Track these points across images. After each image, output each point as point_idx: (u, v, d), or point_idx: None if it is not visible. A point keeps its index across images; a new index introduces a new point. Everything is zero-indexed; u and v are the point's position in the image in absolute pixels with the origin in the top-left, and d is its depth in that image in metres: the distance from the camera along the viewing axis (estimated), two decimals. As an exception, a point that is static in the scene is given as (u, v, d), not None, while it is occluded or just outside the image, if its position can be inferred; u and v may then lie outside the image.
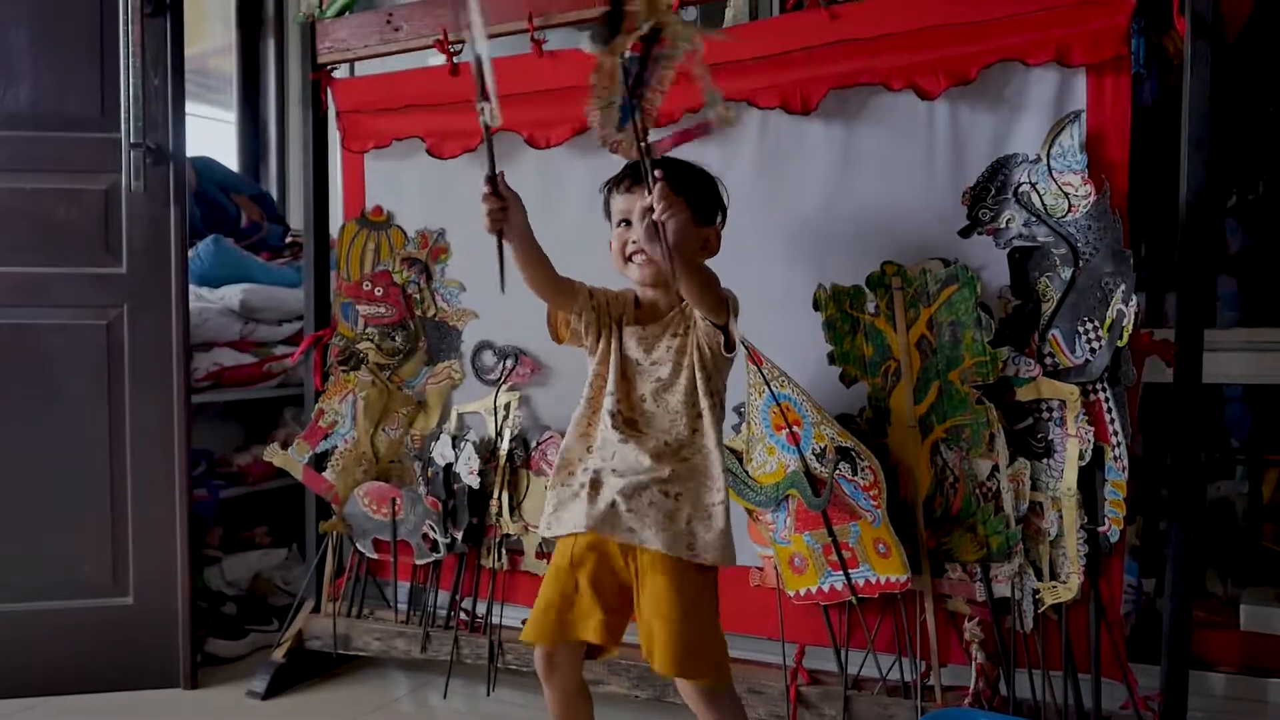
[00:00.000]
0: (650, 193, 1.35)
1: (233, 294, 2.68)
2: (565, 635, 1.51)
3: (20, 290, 2.15)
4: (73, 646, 2.17)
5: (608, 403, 1.53)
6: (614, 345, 1.56)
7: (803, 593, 1.81)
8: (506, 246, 1.44)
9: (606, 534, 1.49)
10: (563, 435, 1.60)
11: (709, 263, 1.54)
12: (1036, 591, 1.66)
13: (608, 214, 1.59)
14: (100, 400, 2.18)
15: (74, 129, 2.15)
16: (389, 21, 2.19)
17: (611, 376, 1.54)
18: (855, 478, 1.73)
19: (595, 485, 1.51)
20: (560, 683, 1.55)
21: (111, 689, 2.17)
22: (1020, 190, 1.69)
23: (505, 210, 1.42)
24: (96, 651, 2.18)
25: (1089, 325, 1.64)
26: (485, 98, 1.31)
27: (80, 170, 2.16)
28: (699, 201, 1.53)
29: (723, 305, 1.47)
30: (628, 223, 1.52)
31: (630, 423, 1.52)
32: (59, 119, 2.15)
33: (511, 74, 2.09)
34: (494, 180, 1.40)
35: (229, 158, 3.48)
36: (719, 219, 1.60)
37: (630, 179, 1.53)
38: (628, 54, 1.35)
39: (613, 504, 1.49)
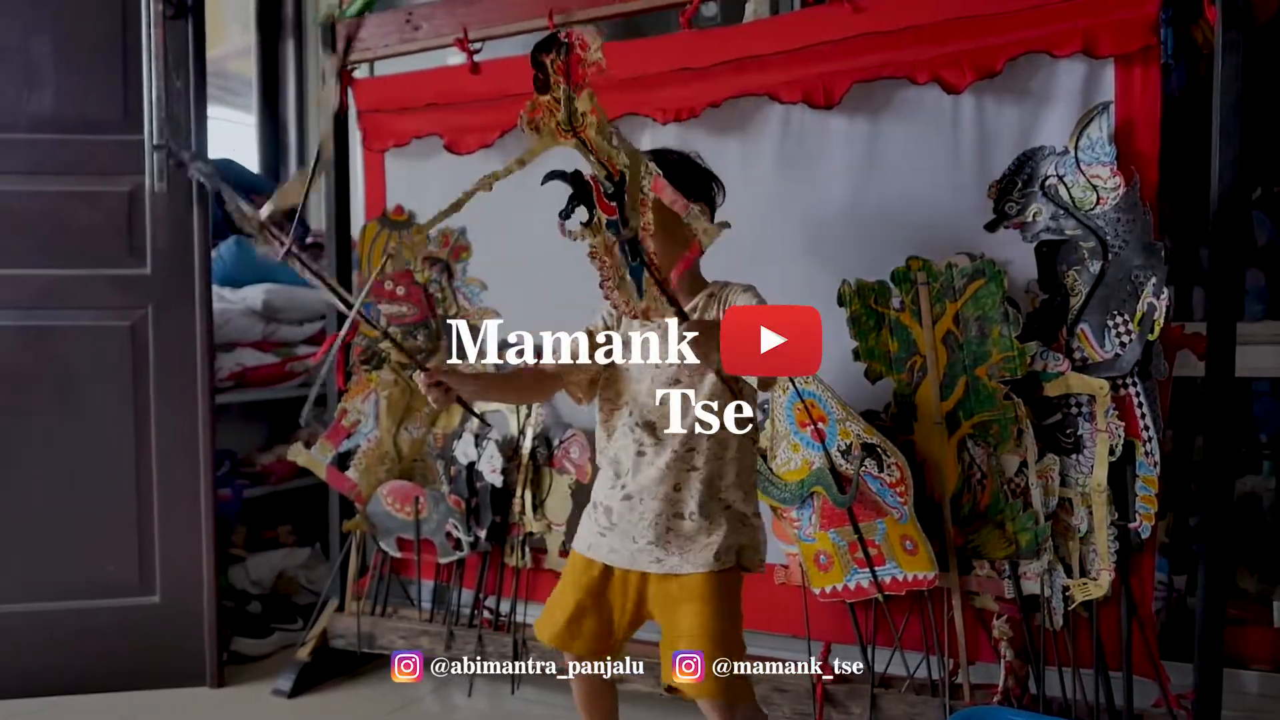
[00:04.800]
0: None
1: (255, 294, 2.69)
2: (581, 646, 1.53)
3: (45, 293, 2.17)
4: (99, 645, 2.19)
5: (624, 415, 1.50)
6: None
7: (829, 590, 1.80)
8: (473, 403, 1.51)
9: (618, 564, 1.50)
10: (584, 433, 1.59)
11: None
12: (1066, 588, 1.65)
13: None
14: (124, 401, 2.19)
15: (97, 131, 2.17)
16: (408, 21, 2.20)
17: (627, 385, 1.51)
18: (881, 474, 1.72)
19: (609, 512, 1.50)
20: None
21: (138, 687, 2.19)
22: (1047, 183, 1.67)
23: (448, 391, 1.43)
24: (123, 650, 2.19)
25: (1119, 319, 1.62)
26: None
27: (103, 172, 2.17)
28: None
29: None
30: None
31: (648, 426, 1.48)
32: (82, 122, 2.17)
33: (526, 70, 2.09)
34: (427, 370, 1.44)
35: (249, 159, 3.49)
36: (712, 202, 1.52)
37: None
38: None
39: (618, 537, 1.49)
